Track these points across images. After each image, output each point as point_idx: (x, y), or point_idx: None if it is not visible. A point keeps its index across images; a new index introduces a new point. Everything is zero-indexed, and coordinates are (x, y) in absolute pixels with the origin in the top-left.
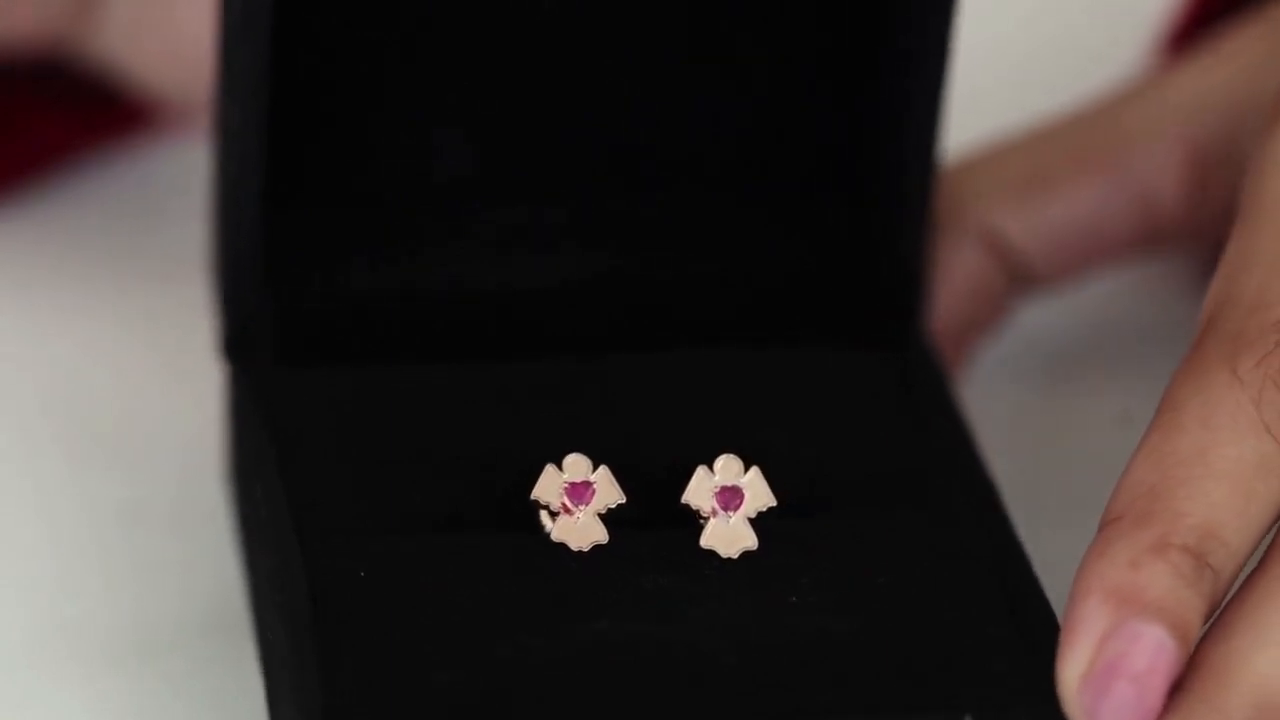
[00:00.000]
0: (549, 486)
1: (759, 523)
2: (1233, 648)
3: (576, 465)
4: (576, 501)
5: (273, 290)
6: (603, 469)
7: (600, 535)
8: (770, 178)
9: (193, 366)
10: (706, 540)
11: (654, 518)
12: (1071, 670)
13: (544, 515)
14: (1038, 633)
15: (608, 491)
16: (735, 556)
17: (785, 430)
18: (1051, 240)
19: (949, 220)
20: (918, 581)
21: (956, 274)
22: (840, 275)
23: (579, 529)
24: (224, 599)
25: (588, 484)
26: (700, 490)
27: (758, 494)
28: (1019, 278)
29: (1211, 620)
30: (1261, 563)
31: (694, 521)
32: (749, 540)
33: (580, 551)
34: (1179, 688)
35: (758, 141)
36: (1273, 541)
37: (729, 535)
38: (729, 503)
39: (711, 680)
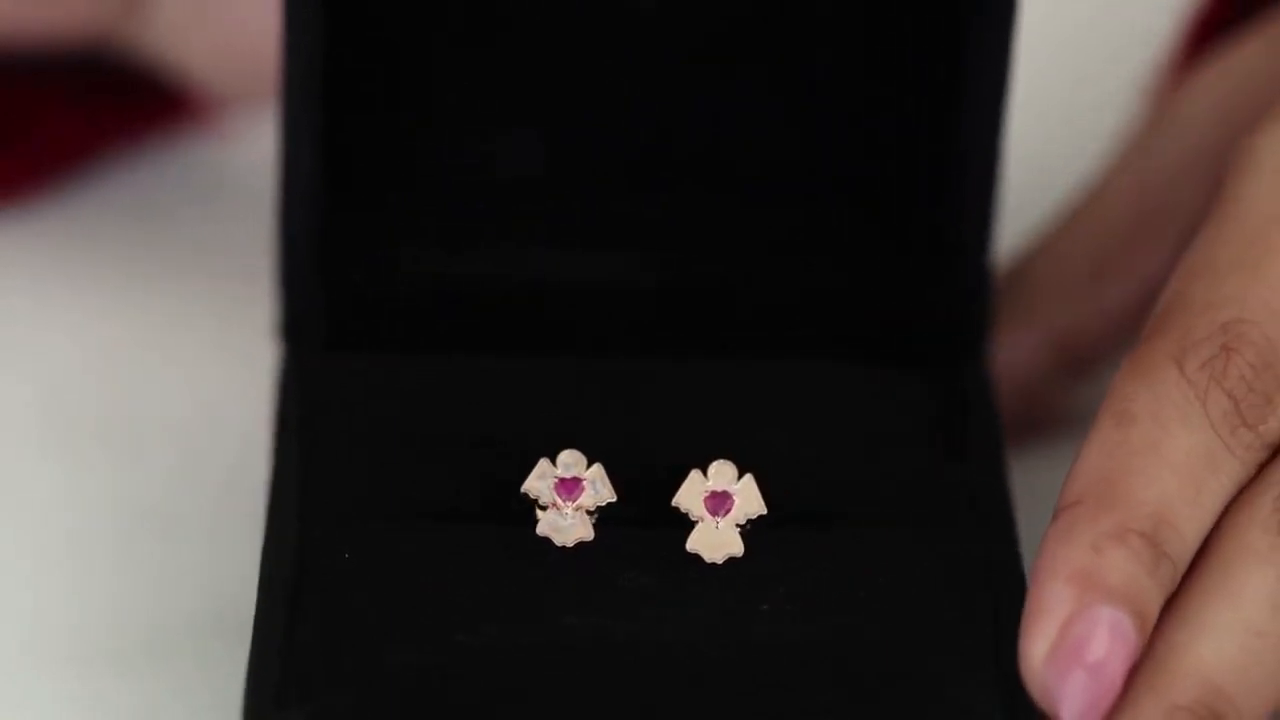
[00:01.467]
0: (540, 481)
1: (754, 530)
2: (1177, 636)
3: (569, 461)
4: (565, 497)
5: (326, 275)
6: (596, 466)
7: (586, 532)
8: (830, 192)
9: (225, 367)
10: (692, 544)
11: (649, 518)
12: (1036, 650)
13: (539, 509)
14: (1014, 657)
15: (599, 489)
16: (720, 562)
17: (802, 442)
18: (1120, 318)
19: (1012, 320)
20: (899, 598)
21: (1019, 376)
22: (886, 293)
23: (565, 525)
24: (241, 600)
25: (578, 480)
26: (691, 494)
27: (748, 501)
28: (1085, 364)
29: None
30: (1205, 554)
31: (686, 525)
32: (735, 546)
33: (564, 547)
34: (1131, 676)
35: (816, 155)
36: (1215, 534)
37: (715, 540)
38: (718, 508)
39: (658, 678)
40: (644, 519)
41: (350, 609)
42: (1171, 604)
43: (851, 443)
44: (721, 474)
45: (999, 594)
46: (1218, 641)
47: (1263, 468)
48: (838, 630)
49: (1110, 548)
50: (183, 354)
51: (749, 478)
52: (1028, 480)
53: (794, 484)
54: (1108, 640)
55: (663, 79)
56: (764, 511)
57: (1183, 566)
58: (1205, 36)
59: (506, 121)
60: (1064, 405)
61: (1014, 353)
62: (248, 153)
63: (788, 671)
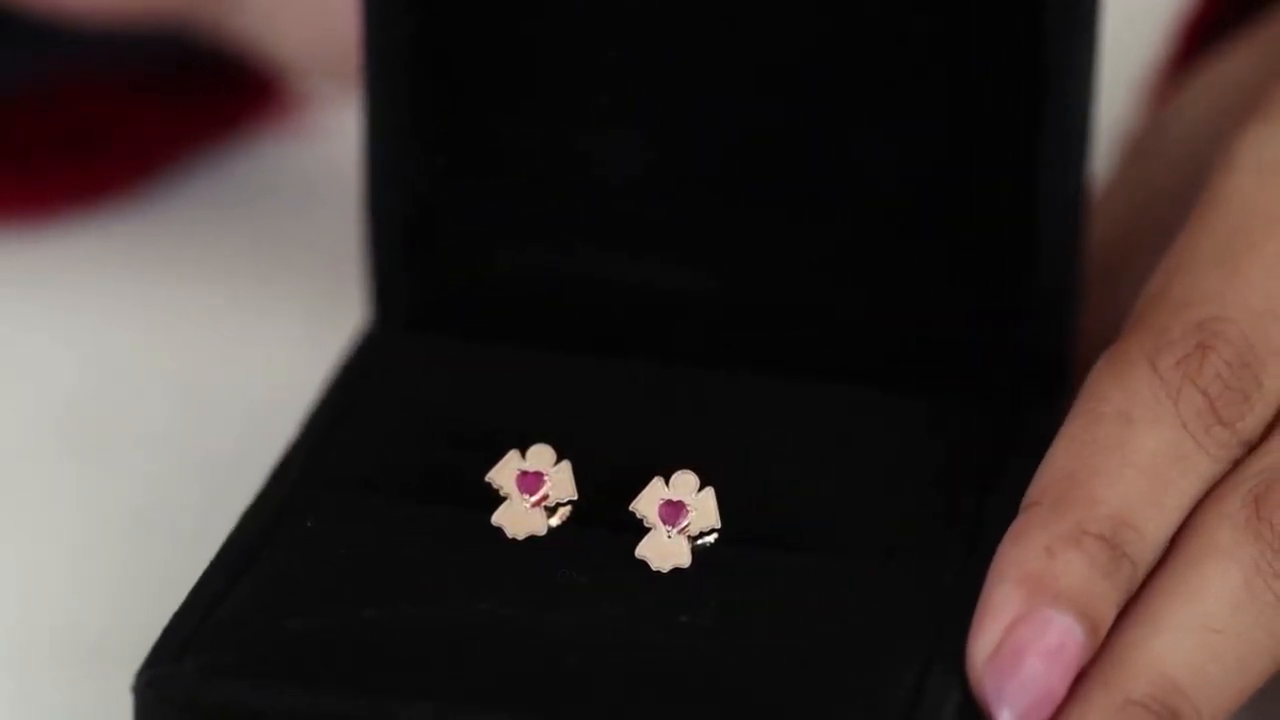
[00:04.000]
0: (504, 471)
1: (714, 545)
2: (1134, 632)
3: (538, 455)
4: (524, 490)
5: (410, 254)
6: (564, 464)
7: (538, 527)
8: (916, 219)
9: (298, 365)
10: (641, 550)
11: (613, 521)
12: (979, 651)
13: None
14: (932, 700)
15: (561, 486)
16: (665, 570)
17: (808, 464)
18: (1122, 327)
19: None
20: (828, 626)
21: None
22: (949, 323)
23: (518, 517)
24: None
25: (539, 475)
26: (649, 500)
27: (705, 514)
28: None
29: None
30: (1172, 551)
31: (644, 531)
32: (682, 557)
33: (514, 539)
34: (1084, 674)
35: (902, 181)
36: (1183, 531)
37: (663, 549)
38: (670, 517)
39: (540, 673)
40: (612, 522)
41: (284, 577)
42: (1133, 601)
43: (854, 469)
44: (681, 484)
45: (949, 642)
46: (1175, 637)
47: (1237, 465)
48: (738, 651)
49: (1064, 550)
50: (257, 352)
51: (709, 490)
52: None
53: (777, 504)
54: (1053, 644)
55: (743, 95)
56: (718, 526)
57: (1145, 567)
58: (1199, 37)
59: (618, 126)
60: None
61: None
62: (333, 150)
63: (644, 680)
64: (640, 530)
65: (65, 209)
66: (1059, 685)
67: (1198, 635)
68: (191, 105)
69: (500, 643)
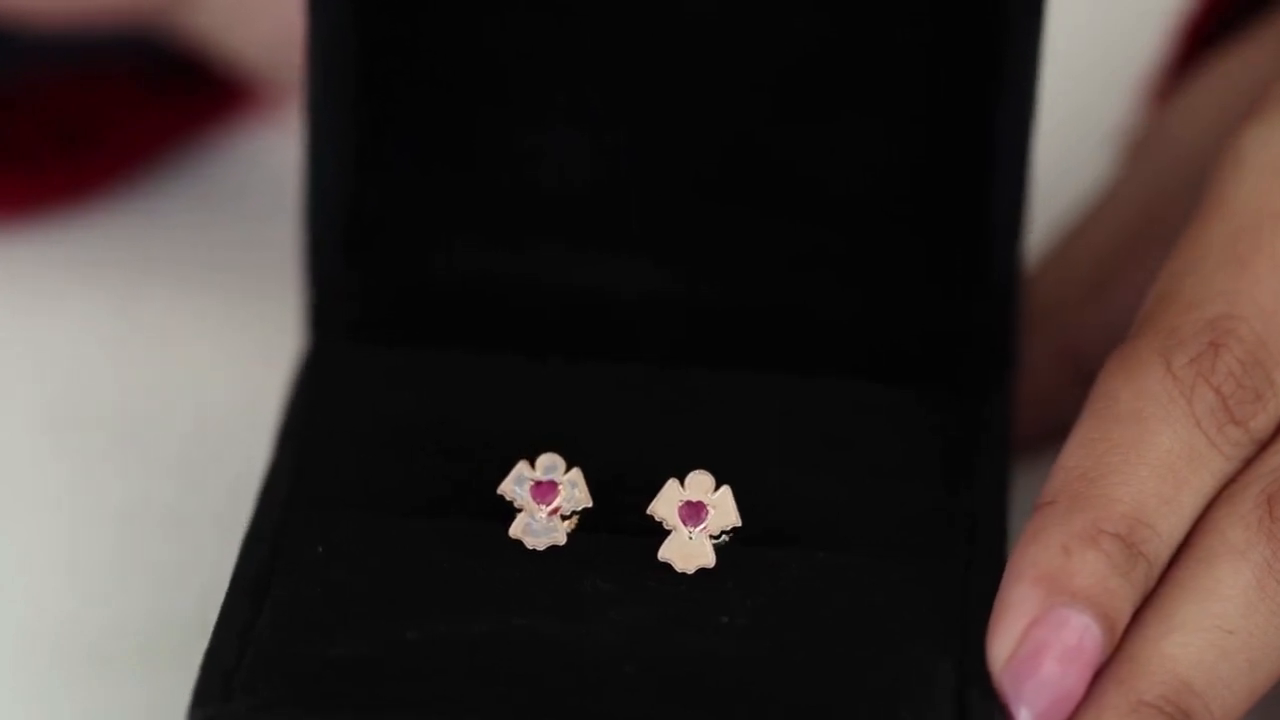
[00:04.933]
0: (516, 483)
1: (731, 544)
2: (1148, 631)
3: (548, 465)
4: (540, 501)
5: (350, 263)
6: (575, 472)
7: (558, 537)
8: (865, 215)
9: (264, 364)
10: (664, 553)
11: (628, 526)
12: (998, 652)
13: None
14: (967, 696)
15: (574, 494)
16: (690, 572)
17: (809, 461)
18: (1126, 328)
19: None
20: (861, 623)
21: (1027, 388)
22: (914, 317)
23: (537, 528)
24: None
25: (554, 484)
26: (667, 502)
27: (724, 513)
28: (1092, 375)
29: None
30: (1185, 550)
31: (663, 534)
32: (706, 558)
33: (535, 550)
34: (1099, 673)
35: (852, 177)
36: (1196, 530)
37: (687, 550)
38: (691, 517)
39: (593, 685)
40: (623, 526)
41: (311, 602)
42: (1148, 600)
43: (855, 464)
44: (698, 484)
45: (969, 632)
46: (1187, 637)
47: (1250, 463)
48: (781, 651)
49: (1080, 549)
50: (243, 350)
51: (726, 489)
52: (1032, 492)
53: (785, 502)
54: (1070, 643)
55: (715, 95)
56: (739, 524)
57: (1160, 565)
58: (1199, 38)
59: (561, 126)
60: (1073, 416)
61: (1021, 365)
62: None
63: (704, 685)
64: (652, 533)
65: (44, 208)
66: (1077, 685)
67: (1210, 636)
68: (171, 102)
69: (546, 657)
